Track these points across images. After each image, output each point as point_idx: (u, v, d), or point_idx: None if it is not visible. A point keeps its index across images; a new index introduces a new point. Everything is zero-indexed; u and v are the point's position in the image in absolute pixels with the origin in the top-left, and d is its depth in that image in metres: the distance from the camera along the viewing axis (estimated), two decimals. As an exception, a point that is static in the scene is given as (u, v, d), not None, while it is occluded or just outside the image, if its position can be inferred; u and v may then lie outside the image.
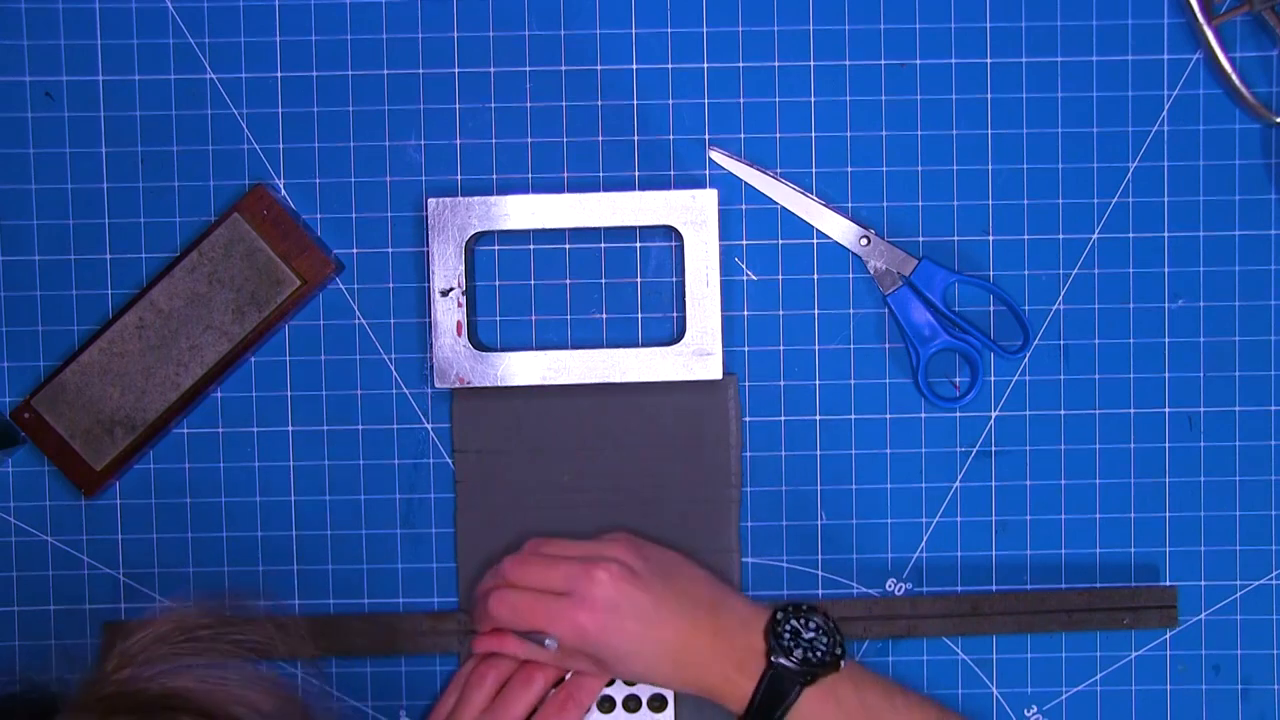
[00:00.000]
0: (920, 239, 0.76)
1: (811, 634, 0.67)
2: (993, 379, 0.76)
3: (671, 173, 0.75)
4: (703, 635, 0.67)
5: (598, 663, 0.68)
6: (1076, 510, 0.76)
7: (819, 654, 0.66)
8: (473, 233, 0.73)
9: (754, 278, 0.76)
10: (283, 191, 0.75)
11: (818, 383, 0.76)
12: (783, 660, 0.66)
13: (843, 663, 0.67)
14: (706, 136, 0.75)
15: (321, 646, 0.74)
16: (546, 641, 0.67)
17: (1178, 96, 0.75)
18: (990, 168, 0.76)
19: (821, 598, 0.76)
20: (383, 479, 0.76)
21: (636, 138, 0.75)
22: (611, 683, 0.73)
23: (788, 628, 0.67)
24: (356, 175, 0.75)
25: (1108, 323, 0.76)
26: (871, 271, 0.75)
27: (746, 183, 0.75)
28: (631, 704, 0.74)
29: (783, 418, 0.76)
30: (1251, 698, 0.77)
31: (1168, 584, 0.76)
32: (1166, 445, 0.76)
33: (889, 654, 0.76)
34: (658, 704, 0.74)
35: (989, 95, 0.75)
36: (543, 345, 0.76)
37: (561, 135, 0.75)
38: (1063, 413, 0.76)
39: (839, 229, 0.75)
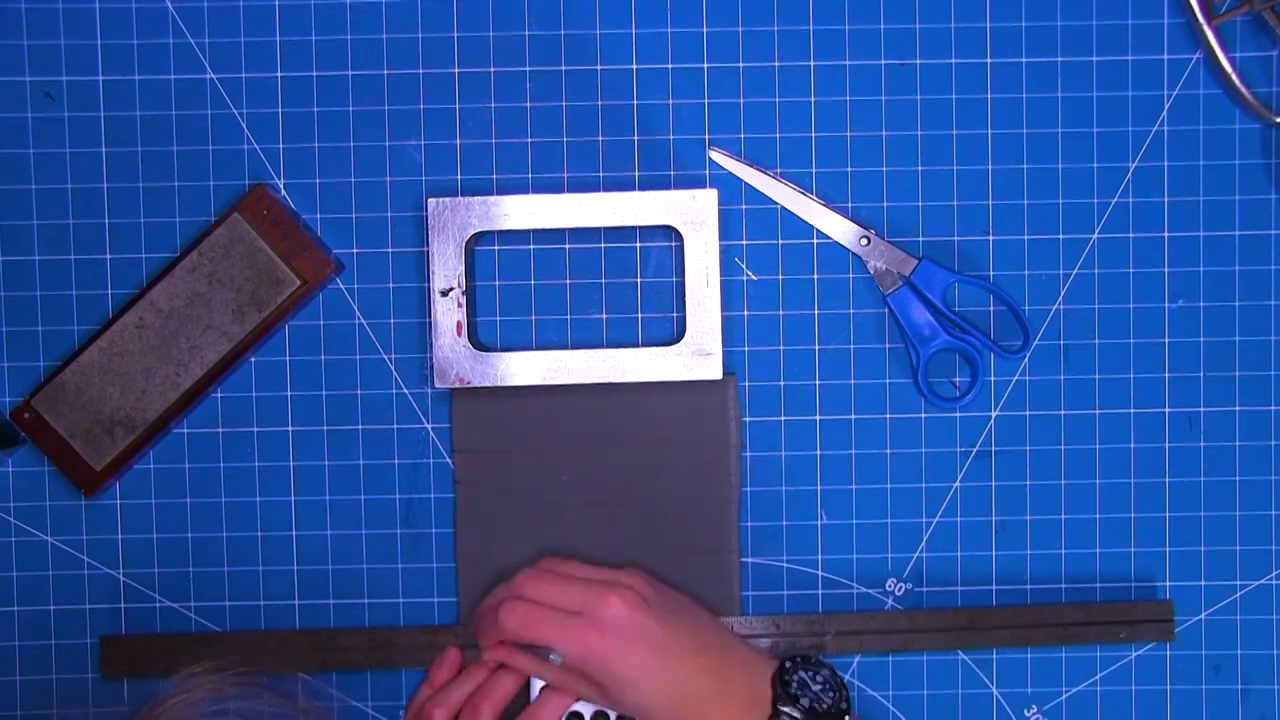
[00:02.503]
0: (920, 239, 0.76)
1: (819, 686, 0.67)
2: (993, 379, 0.76)
3: (671, 173, 0.75)
4: (710, 676, 0.67)
5: (599, 687, 0.68)
6: (1076, 510, 0.76)
7: (825, 706, 0.66)
8: (473, 233, 0.73)
9: (754, 278, 0.76)
10: (283, 191, 0.75)
11: (818, 383, 0.76)
12: (788, 709, 0.65)
13: (848, 718, 0.67)
14: (706, 136, 0.75)
15: (318, 661, 0.74)
16: (551, 656, 0.67)
17: (1178, 96, 0.75)
18: (990, 168, 0.76)
19: (821, 598, 0.76)
20: (383, 479, 0.76)
21: (636, 138, 0.75)
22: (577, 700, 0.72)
23: (795, 678, 0.67)
24: (356, 175, 0.75)
25: (1108, 323, 0.76)
26: (871, 271, 0.75)
27: (746, 183, 0.75)
28: None
29: (783, 418, 0.76)
30: (1251, 698, 0.77)
31: (1165, 599, 0.76)
32: (1166, 445, 0.76)
33: (889, 653, 0.76)
34: None
35: (989, 95, 0.75)
36: (543, 345, 0.76)
37: (561, 135, 0.75)
38: (1063, 413, 0.76)
39: (839, 229, 0.75)
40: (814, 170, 0.76)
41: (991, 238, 0.76)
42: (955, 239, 0.76)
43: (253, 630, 0.75)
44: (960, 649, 0.76)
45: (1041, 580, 0.76)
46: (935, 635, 0.74)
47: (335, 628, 0.75)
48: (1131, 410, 0.76)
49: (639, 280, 0.76)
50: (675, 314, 0.76)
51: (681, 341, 0.73)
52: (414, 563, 0.76)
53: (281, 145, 0.75)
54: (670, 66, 0.75)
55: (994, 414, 0.76)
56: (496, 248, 0.76)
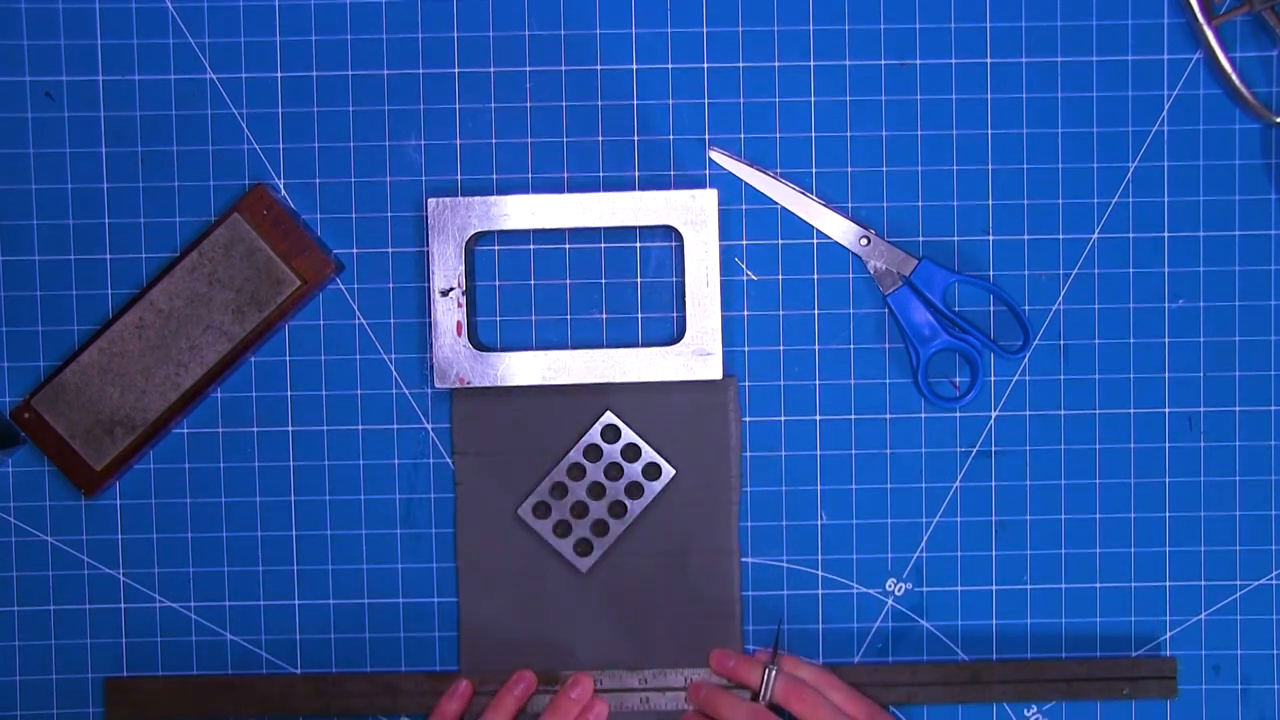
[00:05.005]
0: (920, 239, 0.76)
1: None
2: (993, 379, 0.76)
3: (671, 173, 0.75)
4: None
5: None
6: (1076, 510, 0.76)
7: None
8: (473, 233, 0.73)
9: (754, 278, 0.76)
10: (283, 191, 0.75)
11: (818, 383, 0.76)
12: None
13: None
14: (706, 136, 0.75)
15: (321, 706, 0.74)
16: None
17: (1178, 96, 0.75)
18: (990, 168, 0.76)
19: (821, 598, 0.76)
20: (383, 479, 0.76)
21: (636, 138, 0.75)
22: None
23: None
24: (356, 175, 0.75)
25: (1108, 323, 0.76)
26: (871, 271, 0.75)
27: (746, 183, 0.75)
28: (630, 452, 0.74)
29: (783, 418, 0.76)
30: (1251, 698, 0.77)
31: (1167, 655, 0.76)
32: (1166, 445, 0.76)
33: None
34: (652, 471, 0.74)
35: (989, 95, 0.75)
36: (543, 345, 0.76)
37: (561, 135, 0.75)
38: (1063, 413, 0.76)
39: (839, 229, 0.75)
40: (814, 170, 0.76)
41: (991, 238, 0.76)
42: (955, 239, 0.76)
43: (255, 674, 0.75)
44: (963, 703, 0.76)
45: (1041, 581, 0.76)
46: (938, 689, 0.74)
47: (338, 673, 0.75)
48: (1131, 410, 0.76)
49: (639, 280, 0.76)
50: (675, 314, 0.76)
51: (681, 341, 0.73)
52: (414, 563, 0.76)
53: (281, 145, 0.75)
54: (670, 66, 0.75)
55: (994, 414, 0.76)
56: (496, 248, 0.76)
